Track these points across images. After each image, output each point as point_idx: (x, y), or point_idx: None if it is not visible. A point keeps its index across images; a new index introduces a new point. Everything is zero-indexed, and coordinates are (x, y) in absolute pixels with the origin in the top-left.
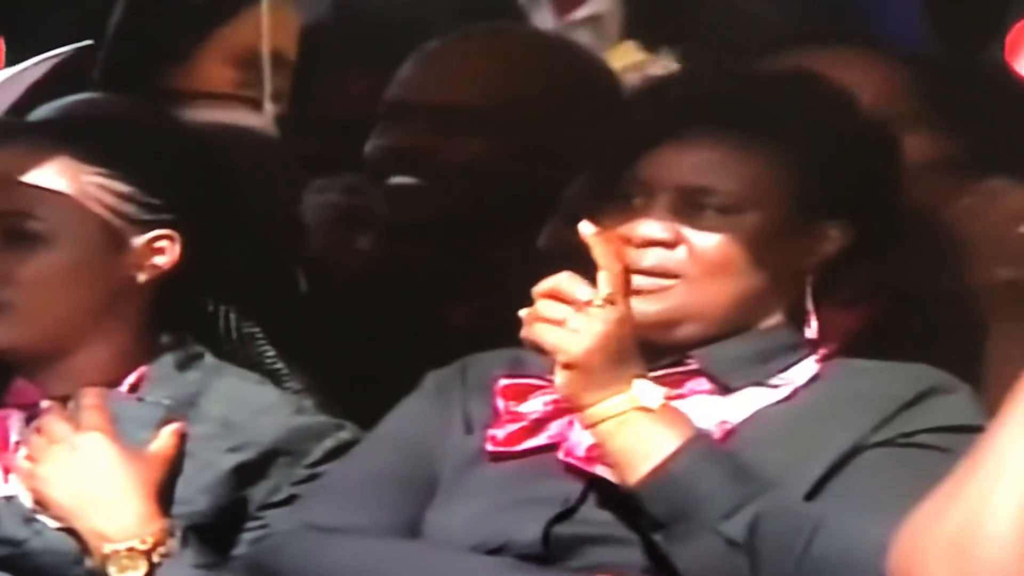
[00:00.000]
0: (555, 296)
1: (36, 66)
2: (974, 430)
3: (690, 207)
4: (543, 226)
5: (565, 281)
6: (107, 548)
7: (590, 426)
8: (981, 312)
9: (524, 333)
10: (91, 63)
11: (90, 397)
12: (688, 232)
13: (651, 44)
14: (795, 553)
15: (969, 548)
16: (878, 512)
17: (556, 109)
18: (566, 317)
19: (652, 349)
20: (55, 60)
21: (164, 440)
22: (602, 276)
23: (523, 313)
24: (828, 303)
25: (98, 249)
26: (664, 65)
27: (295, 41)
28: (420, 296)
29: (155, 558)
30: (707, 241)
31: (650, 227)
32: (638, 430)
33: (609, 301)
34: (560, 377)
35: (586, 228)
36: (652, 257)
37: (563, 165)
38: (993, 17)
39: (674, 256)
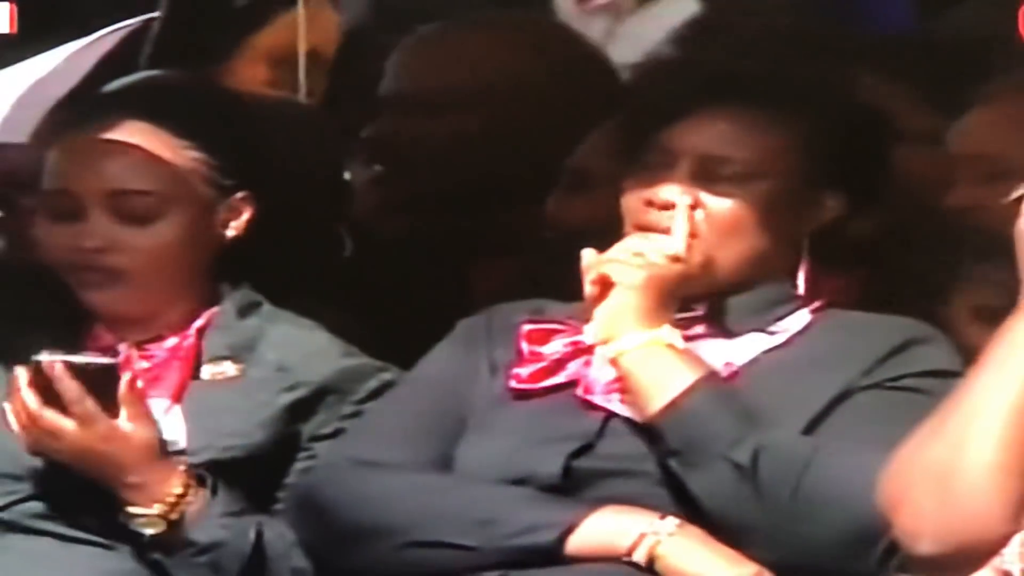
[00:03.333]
0: (633, 252)
1: (104, 38)
2: (951, 375)
3: (708, 174)
4: (546, 194)
5: (643, 240)
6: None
7: (615, 358)
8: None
9: (587, 272)
10: (142, 43)
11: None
12: (705, 197)
13: None
14: (791, 482)
15: (950, 478)
16: (867, 447)
17: (535, 88)
18: (632, 259)
19: None
20: (123, 32)
21: (128, 399)
22: (676, 236)
23: (586, 260)
24: (823, 267)
25: (199, 217)
26: None
27: (334, 39)
28: (446, 258)
29: (183, 508)
30: (722, 205)
31: (671, 191)
32: (661, 363)
33: (674, 259)
34: (606, 303)
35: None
36: (672, 219)
37: (544, 142)
38: None
39: (693, 218)
